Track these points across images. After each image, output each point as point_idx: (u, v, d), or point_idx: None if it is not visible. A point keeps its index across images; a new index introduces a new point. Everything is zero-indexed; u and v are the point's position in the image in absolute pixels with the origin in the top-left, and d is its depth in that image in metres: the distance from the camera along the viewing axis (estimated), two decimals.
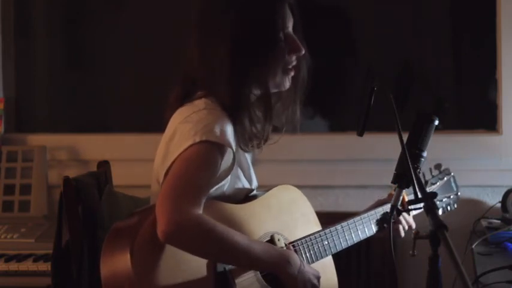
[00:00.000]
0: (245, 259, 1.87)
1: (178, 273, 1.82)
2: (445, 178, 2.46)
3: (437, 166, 2.46)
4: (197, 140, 1.86)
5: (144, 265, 1.79)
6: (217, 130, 1.88)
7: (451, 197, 2.47)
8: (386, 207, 2.28)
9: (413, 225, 2.29)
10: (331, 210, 3.25)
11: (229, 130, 1.92)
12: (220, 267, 1.87)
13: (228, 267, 1.89)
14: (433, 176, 2.43)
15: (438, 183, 2.43)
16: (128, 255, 1.78)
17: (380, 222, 2.26)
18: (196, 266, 1.84)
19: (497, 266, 2.29)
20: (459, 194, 2.51)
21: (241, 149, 2.03)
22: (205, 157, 1.86)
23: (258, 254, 1.88)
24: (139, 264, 1.78)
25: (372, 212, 2.27)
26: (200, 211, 1.81)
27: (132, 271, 1.77)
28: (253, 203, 2.04)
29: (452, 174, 2.50)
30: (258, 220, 2.02)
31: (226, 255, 1.85)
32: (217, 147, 1.88)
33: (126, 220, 1.92)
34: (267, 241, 2.01)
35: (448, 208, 2.46)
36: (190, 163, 1.85)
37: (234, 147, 1.92)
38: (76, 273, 2.21)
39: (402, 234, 2.27)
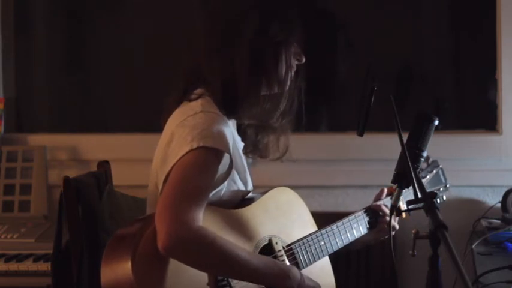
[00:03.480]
0: (244, 273, 1.86)
1: (179, 281, 1.81)
2: (434, 171, 2.45)
3: (426, 158, 2.45)
4: (194, 146, 1.85)
5: (144, 274, 1.78)
6: (214, 135, 1.88)
7: (441, 189, 2.47)
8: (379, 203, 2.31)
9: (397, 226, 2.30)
10: (331, 210, 3.25)
11: (226, 132, 1.92)
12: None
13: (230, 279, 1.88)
14: (422, 170, 2.42)
15: (428, 177, 2.43)
16: (129, 264, 1.77)
17: (371, 216, 2.28)
18: (197, 274, 1.83)
19: (497, 266, 2.29)
20: (448, 186, 2.51)
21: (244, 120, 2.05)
22: (203, 164, 1.85)
23: (258, 268, 1.87)
24: (140, 273, 1.77)
25: (365, 209, 2.28)
26: (200, 221, 1.79)
27: (133, 280, 1.76)
28: (250, 207, 2.03)
29: (440, 166, 2.49)
30: (256, 224, 2.01)
31: (225, 268, 1.84)
32: (215, 152, 1.87)
33: (128, 227, 1.91)
34: (265, 245, 2.01)
35: (438, 201, 2.46)
36: (187, 171, 1.84)
37: (231, 150, 1.92)
38: (76, 273, 2.21)
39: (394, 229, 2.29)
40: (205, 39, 2.03)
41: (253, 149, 2.15)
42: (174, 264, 1.80)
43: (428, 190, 2.35)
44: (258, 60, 1.97)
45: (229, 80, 1.97)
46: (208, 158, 1.86)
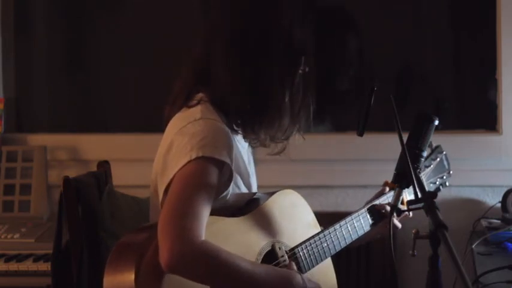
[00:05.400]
0: (248, 284, 1.85)
1: None
2: (438, 158, 2.44)
3: (429, 144, 2.43)
4: (194, 156, 1.83)
5: (147, 286, 1.78)
6: (213, 144, 1.86)
7: (444, 177, 2.46)
8: (383, 200, 2.30)
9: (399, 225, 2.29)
10: (331, 210, 3.25)
11: (227, 139, 1.90)
12: None
13: None
14: (425, 158, 2.40)
15: (432, 165, 2.41)
16: (133, 276, 1.76)
17: (374, 215, 2.26)
18: (201, 286, 1.83)
19: (497, 266, 2.30)
20: (451, 172, 2.48)
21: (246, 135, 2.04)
22: (203, 175, 1.83)
23: (261, 278, 1.86)
24: (143, 287, 1.76)
25: (368, 206, 2.27)
26: (203, 235, 1.78)
27: None
28: (254, 213, 2.01)
29: (444, 152, 2.47)
30: (259, 230, 2.00)
31: (229, 281, 1.83)
32: (215, 162, 1.85)
33: (134, 235, 1.90)
34: (269, 251, 2.00)
35: (441, 187, 2.45)
36: (187, 184, 1.82)
37: (231, 158, 1.90)
38: (76, 273, 2.21)
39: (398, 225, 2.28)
40: (226, 49, 1.97)
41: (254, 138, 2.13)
42: (178, 279, 1.78)
43: (432, 178, 2.38)
44: (286, 76, 1.96)
45: (257, 94, 1.95)
46: (208, 168, 1.84)
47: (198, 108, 1.95)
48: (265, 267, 1.93)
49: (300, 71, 2.01)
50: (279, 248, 2.02)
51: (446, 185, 2.47)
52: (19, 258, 2.94)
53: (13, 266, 2.90)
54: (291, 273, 1.94)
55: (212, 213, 1.85)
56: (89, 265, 2.20)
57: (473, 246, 2.61)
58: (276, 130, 2.01)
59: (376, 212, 2.27)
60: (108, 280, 1.82)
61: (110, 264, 1.84)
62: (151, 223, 1.96)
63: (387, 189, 2.33)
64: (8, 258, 2.94)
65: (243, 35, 1.96)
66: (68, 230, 2.24)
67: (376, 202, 2.28)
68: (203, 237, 1.78)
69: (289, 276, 1.92)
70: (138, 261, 1.77)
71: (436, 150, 2.44)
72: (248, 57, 1.95)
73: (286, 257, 2.02)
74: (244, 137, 2.08)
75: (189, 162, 1.83)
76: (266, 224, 2.03)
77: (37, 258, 2.93)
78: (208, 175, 1.84)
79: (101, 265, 1.89)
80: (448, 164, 2.48)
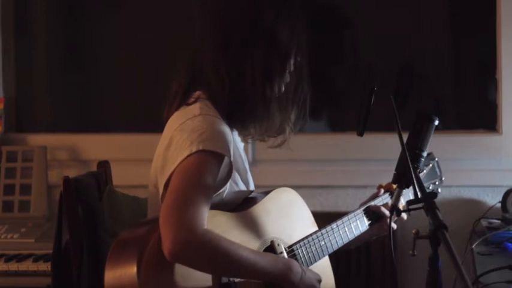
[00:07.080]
0: (250, 272, 1.86)
1: (184, 286, 1.81)
2: (430, 164, 2.45)
3: None
4: (194, 150, 1.84)
5: (150, 280, 1.77)
6: (213, 138, 1.87)
7: (436, 183, 2.47)
8: (377, 201, 2.30)
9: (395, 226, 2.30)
10: (331, 210, 3.25)
11: (226, 134, 1.91)
12: (225, 278, 1.87)
13: (233, 278, 1.88)
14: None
15: (425, 171, 2.42)
16: (134, 269, 1.77)
17: (370, 215, 2.27)
18: (202, 278, 1.83)
19: (497, 266, 2.29)
20: (443, 178, 2.50)
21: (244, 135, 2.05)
22: (203, 168, 1.85)
23: (263, 265, 1.87)
24: (145, 279, 1.76)
25: (364, 207, 2.27)
26: (204, 225, 1.79)
27: (137, 286, 1.76)
28: (252, 209, 2.03)
29: (436, 159, 2.48)
30: (258, 226, 2.01)
31: (232, 269, 1.84)
32: (214, 155, 1.86)
33: (133, 230, 1.91)
34: (268, 247, 2.01)
35: None
36: (188, 176, 1.83)
37: (231, 153, 1.91)
38: (76, 273, 2.21)
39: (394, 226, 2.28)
40: (214, 49, 1.99)
41: (249, 135, 2.14)
42: (180, 270, 1.79)
43: (425, 183, 2.39)
44: (270, 71, 1.97)
45: (246, 93, 1.96)
46: (208, 161, 1.85)
47: (197, 105, 1.96)
48: (266, 255, 1.94)
49: (291, 68, 2.02)
50: (278, 245, 2.02)
51: (438, 191, 2.48)
52: (19, 258, 2.94)
53: (13, 266, 2.90)
54: (290, 261, 1.96)
55: (210, 208, 1.86)
56: (89, 265, 2.20)
57: (473, 246, 2.61)
58: (267, 127, 2.03)
59: (371, 213, 2.28)
60: (109, 274, 1.83)
61: (111, 259, 1.84)
62: (150, 218, 1.97)
63: (382, 191, 2.34)
64: (8, 258, 2.94)
65: (228, 36, 1.98)
66: (68, 230, 2.24)
67: (372, 203, 2.29)
68: (205, 227, 1.79)
69: (289, 264, 1.93)
70: (139, 254, 1.78)
71: (428, 156, 2.45)
72: (233, 57, 1.96)
73: (285, 253, 2.03)
74: (239, 134, 2.11)
75: (189, 155, 1.84)
76: (264, 221, 2.04)
77: (37, 258, 2.93)
78: (209, 168, 1.85)
79: (101, 265, 1.89)
80: (440, 171, 2.49)
